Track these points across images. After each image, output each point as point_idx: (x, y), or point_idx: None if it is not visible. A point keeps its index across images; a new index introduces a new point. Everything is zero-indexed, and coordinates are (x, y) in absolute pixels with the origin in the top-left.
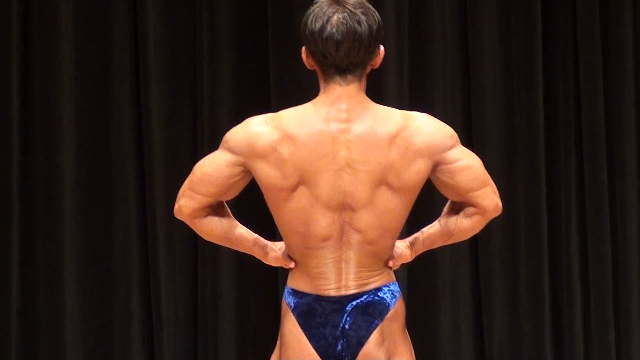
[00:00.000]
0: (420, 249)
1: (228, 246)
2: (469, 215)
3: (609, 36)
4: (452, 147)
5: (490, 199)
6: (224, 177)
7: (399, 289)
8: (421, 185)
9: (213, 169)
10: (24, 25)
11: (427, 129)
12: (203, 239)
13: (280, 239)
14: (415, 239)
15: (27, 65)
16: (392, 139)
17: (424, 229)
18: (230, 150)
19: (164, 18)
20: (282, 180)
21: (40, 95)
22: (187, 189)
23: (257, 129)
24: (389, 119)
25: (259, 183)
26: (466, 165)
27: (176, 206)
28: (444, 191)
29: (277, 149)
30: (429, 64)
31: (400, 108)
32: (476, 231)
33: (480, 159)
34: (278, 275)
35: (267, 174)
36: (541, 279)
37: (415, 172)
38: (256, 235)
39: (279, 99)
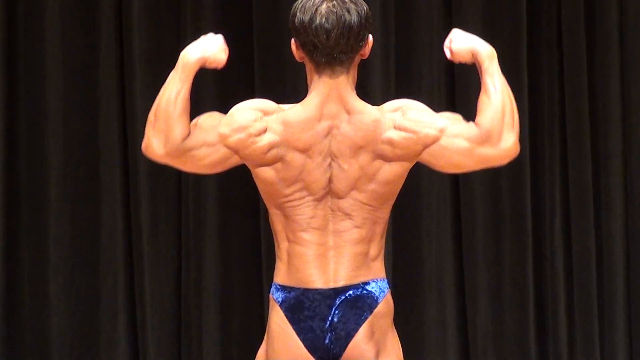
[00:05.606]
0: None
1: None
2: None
3: (594, 29)
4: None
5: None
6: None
7: (387, 285)
8: (403, 178)
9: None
10: (9, 17)
11: (402, 136)
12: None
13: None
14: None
15: (13, 57)
16: (370, 141)
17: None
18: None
19: (148, 10)
20: (275, 178)
21: (25, 86)
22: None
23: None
24: (369, 120)
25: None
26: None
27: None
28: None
29: (283, 158)
30: (415, 57)
31: (385, 100)
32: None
33: None
34: (262, 268)
35: (266, 174)
36: (525, 273)
37: (393, 173)
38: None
39: (264, 93)
